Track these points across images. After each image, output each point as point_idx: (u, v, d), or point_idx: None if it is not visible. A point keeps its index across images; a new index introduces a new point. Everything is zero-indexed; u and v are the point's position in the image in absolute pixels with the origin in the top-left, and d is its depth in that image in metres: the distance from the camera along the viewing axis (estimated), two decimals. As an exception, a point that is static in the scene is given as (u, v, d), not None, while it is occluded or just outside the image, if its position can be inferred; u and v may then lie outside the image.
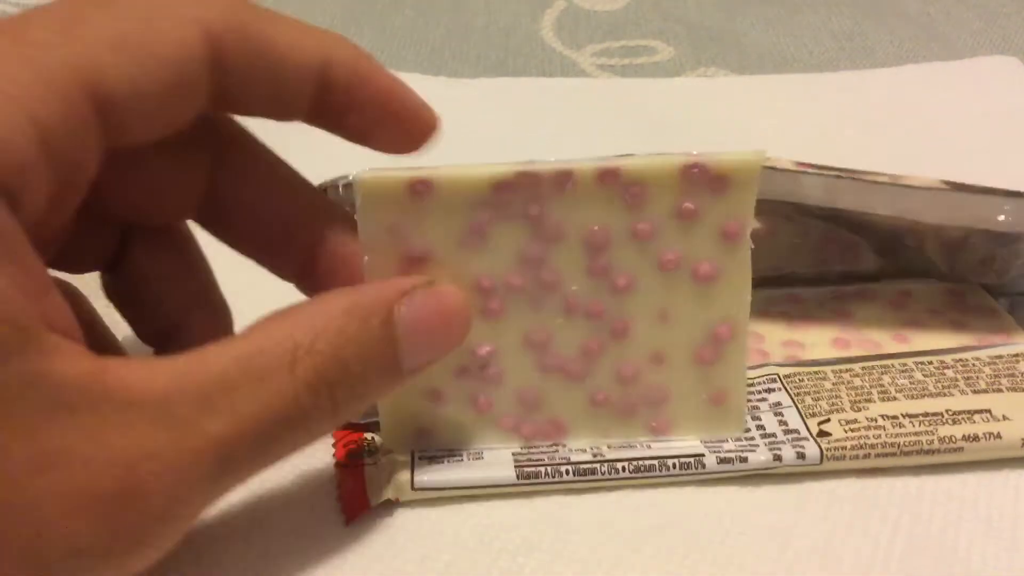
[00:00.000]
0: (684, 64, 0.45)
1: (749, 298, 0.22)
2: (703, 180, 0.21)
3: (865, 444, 0.23)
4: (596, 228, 0.21)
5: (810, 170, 0.24)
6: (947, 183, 0.25)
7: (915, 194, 0.24)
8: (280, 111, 0.20)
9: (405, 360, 0.19)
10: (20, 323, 0.15)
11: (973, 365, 0.25)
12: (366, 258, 0.21)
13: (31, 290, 0.16)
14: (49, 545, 0.15)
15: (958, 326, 0.27)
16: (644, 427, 0.23)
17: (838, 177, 0.25)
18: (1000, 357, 0.25)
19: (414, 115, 0.21)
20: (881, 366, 0.25)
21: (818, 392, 0.24)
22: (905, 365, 0.25)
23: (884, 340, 0.26)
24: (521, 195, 0.21)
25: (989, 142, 0.38)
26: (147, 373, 0.16)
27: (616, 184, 0.21)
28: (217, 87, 0.18)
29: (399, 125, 0.21)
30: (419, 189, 0.21)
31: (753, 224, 0.22)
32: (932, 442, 0.23)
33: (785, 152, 0.25)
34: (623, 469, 0.22)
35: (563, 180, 0.21)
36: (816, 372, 0.25)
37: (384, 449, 0.23)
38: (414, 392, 0.22)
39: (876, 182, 0.24)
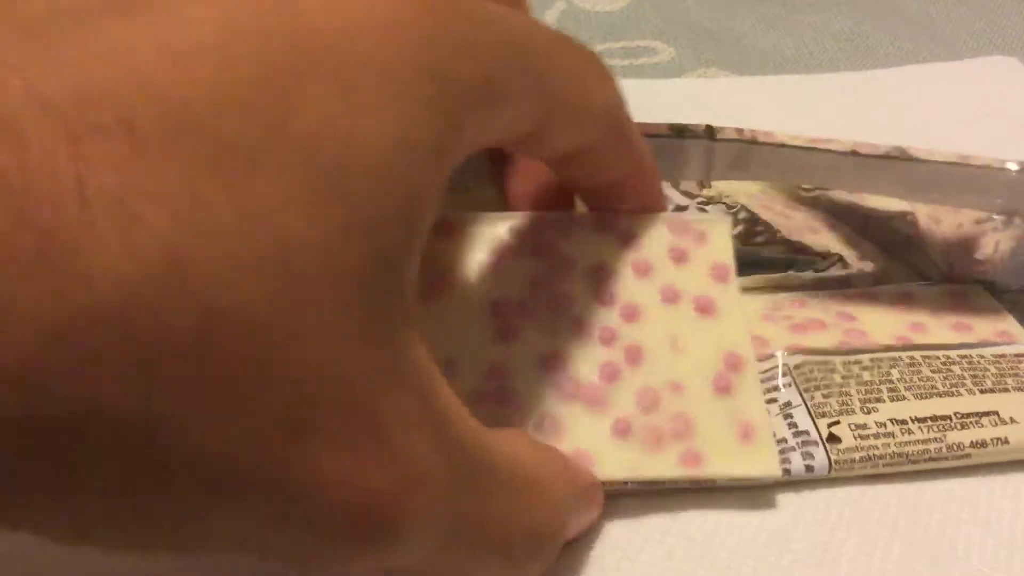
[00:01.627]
0: (684, 65, 0.45)
1: (748, 333, 0.23)
2: (686, 231, 0.24)
3: (874, 455, 0.23)
4: (599, 262, 0.23)
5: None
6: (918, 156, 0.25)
7: (882, 164, 0.25)
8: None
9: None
10: (407, 278, 0.15)
11: (978, 363, 0.25)
12: None
13: (424, 232, 0.15)
14: (293, 505, 0.13)
15: (961, 327, 0.27)
16: (676, 459, 0.22)
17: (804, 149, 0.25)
18: (1004, 356, 0.25)
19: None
20: (890, 358, 0.25)
21: (828, 387, 0.24)
22: (912, 359, 0.25)
23: (888, 342, 0.26)
24: (531, 235, 0.23)
25: (989, 142, 0.38)
26: (456, 408, 0.16)
27: (613, 231, 0.24)
28: None
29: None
30: (441, 228, 0.23)
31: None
32: (940, 450, 0.23)
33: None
34: (628, 482, 0.22)
35: (566, 225, 0.24)
36: (825, 362, 0.25)
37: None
38: None
39: (845, 153, 0.25)
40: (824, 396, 0.24)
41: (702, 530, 0.22)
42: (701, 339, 0.23)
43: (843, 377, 0.24)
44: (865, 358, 0.25)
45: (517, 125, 0.18)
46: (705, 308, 0.23)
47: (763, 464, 0.22)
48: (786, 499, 0.22)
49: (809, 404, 0.24)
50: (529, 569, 0.18)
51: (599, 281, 0.23)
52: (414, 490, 0.14)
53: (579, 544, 0.21)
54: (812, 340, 0.26)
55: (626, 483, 0.22)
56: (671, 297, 0.23)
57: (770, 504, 0.22)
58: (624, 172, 0.22)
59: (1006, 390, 0.24)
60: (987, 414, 0.23)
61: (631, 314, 0.23)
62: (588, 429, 0.22)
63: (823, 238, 0.29)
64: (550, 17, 0.50)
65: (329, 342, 0.13)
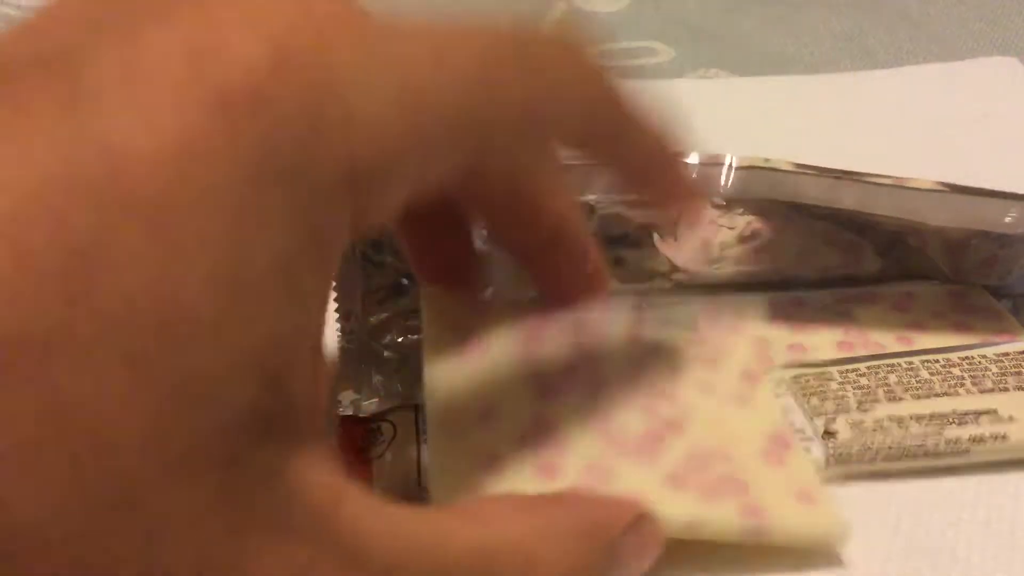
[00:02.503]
0: (685, 65, 0.45)
1: (788, 421, 0.23)
2: (710, 347, 0.25)
3: (871, 448, 0.23)
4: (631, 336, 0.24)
5: (810, 171, 0.25)
6: (950, 185, 0.25)
7: (919, 196, 0.24)
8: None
9: None
10: (292, 390, 0.13)
11: (979, 363, 0.25)
12: (426, 352, 0.22)
13: (316, 340, 0.13)
14: None
15: (961, 328, 0.27)
16: (735, 510, 0.20)
17: (838, 178, 0.25)
18: (1007, 355, 0.25)
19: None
20: (887, 365, 0.25)
21: (824, 392, 0.24)
22: (911, 364, 0.25)
23: (888, 342, 0.26)
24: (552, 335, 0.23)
25: (989, 143, 0.38)
26: (382, 525, 0.14)
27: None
28: None
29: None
30: (476, 308, 0.23)
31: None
32: (938, 444, 0.23)
33: (786, 153, 0.25)
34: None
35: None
36: (822, 372, 0.25)
37: (395, 445, 0.23)
38: (469, 455, 0.21)
39: (879, 184, 0.24)
40: (820, 400, 0.24)
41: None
42: (743, 421, 0.23)
43: (840, 383, 0.24)
44: (862, 366, 0.25)
45: (430, 185, 0.15)
46: (741, 401, 0.23)
47: (829, 522, 0.21)
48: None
49: (806, 407, 0.24)
50: None
51: (632, 374, 0.23)
52: None
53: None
54: (811, 341, 0.26)
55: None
56: (707, 389, 0.23)
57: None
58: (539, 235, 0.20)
59: (1006, 390, 0.24)
60: (986, 412, 0.23)
61: (669, 396, 0.23)
62: (640, 477, 0.21)
63: (819, 259, 0.29)
64: (550, 18, 0.50)
65: (166, 531, 0.11)
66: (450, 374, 0.22)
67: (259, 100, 0.12)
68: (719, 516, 0.20)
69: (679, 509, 0.20)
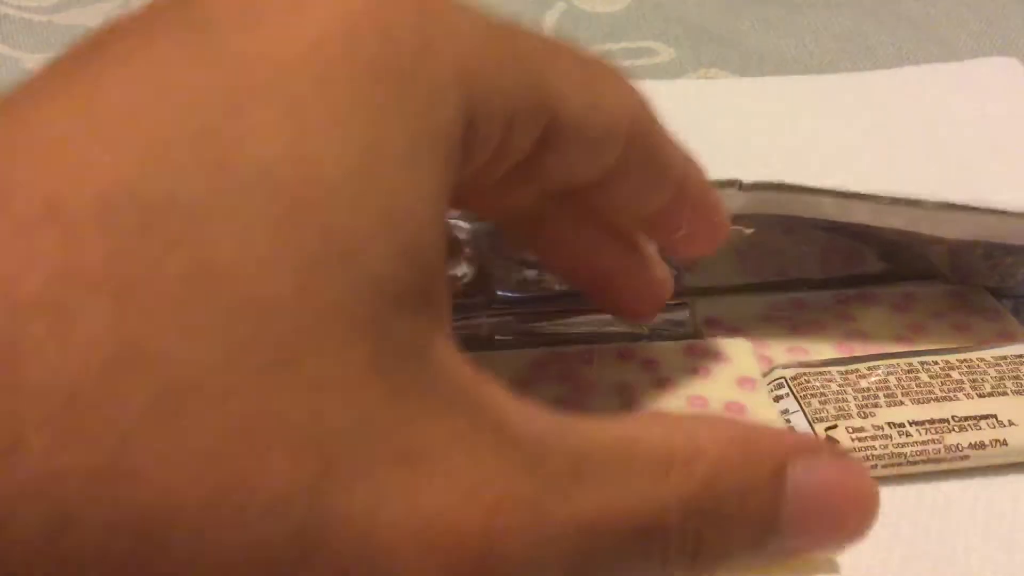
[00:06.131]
0: (685, 66, 0.45)
1: (786, 427, 0.23)
2: (706, 354, 0.25)
3: (872, 456, 0.23)
4: (623, 382, 0.24)
5: (821, 192, 0.24)
6: (963, 205, 0.24)
7: (932, 213, 0.24)
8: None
9: (784, 532, 0.15)
10: (426, 268, 0.13)
11: (978, 366, 0.25)
12: None
13: (443, 227, 0.14)
14: (361, 573, 0.11)
15: (962, 329, 0.27)
16: None
17: (848, 197, 0.24)
18: (1004, 358, 0.25)
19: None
20: (887, 365, 0.25)
21: (824, 395, 0.24)
22: (911, 365, 0.25)
23: (888, 343, 0.26)
24: (554, 367, 0.24)
25: (989, 143, 0.38)
26: (522, 410, 0.14)
27: (633, 359, 0.24)
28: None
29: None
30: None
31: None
32: (939, 451, 0.23)
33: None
34: None
35: (587, 357, 0.24)
36: (822, 372, 0.25)
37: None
38: None
39: (892, 203, 0.24)
40: (821, 403, 0.24)
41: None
42: None
43: (840, 386, 0.24)
44: (862, 367, 0.25)
45: (514, 139, 0.16)
46: (736, 410, 0.23)
47: None
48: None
49: (806, 410, 0.24)
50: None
51: (623, 395, 0.23)
52: (494, 511, 0.12)
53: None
54: (811, 342, 0.26)
55: None
56: (699, 403, 0.23)
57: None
58: (666, 195, 0.19)
59: (1005, 393, 0.24)
60: (985, 417, 0.23)
61: (659, 418, 0.23)
62: None
63: (821, 262, 0.29)
64: (550, 18, 0.50)
65: (327, 391, 0.11)
66: None
67: (375, 18, 0.13)
68: None
69: None
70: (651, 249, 0.22)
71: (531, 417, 0.14)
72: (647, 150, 0.19)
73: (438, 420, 0.12)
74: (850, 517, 0.16)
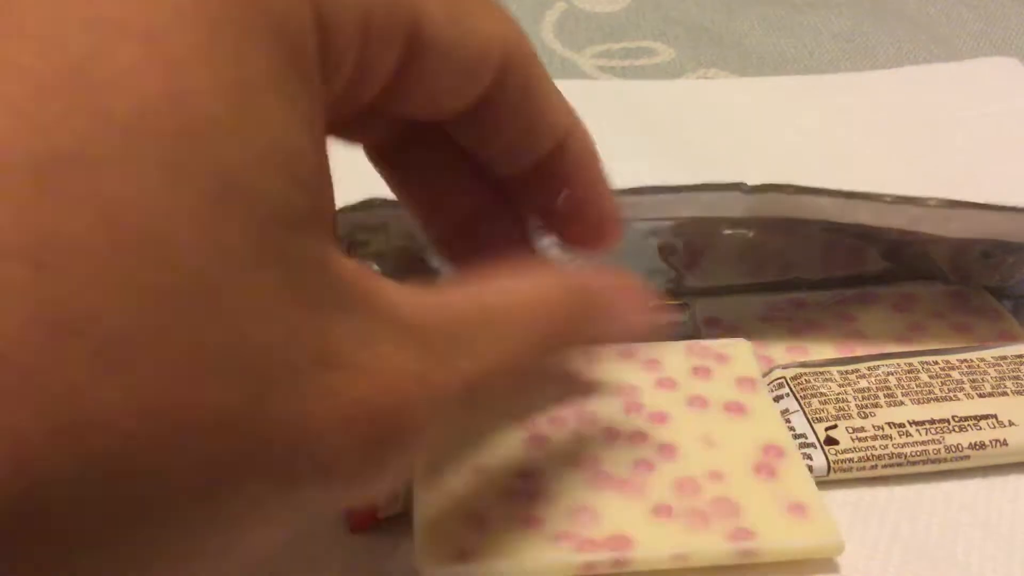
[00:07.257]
0: (685, 65, 0.45)
1: (785, 425, 0.23)
2: (707, 354, 0.25)
3: (872, 456, 0.23)
4: (624, 383, 0.24)
5: (823, 192, 0.24)
6: (965, 203, 0.24)
7: (934, 212, 0.24)
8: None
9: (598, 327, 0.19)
10: (312, 188, 0.13)
11: (978, 366, 0.25)
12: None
13: (320, 148, 0.14)
14: (302, 461, 0.13)
15: (962, 329, 0.27)
16: (724, 535, 0.20)
17: (850, 198, 0.24)
18: (1004, 358, 0.25)
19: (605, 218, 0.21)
20: (887, 365, 0.25)
21: (825, 395, 0.24)
22: (911, 365, 0.25)
23: (888, 343, 0.26)
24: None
25: (989, 143, 0.38)
26: (408, 295, 0.15)
27: (634, 358, 0.24)
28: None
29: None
30: None
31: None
32: (939, 451, 0.23)
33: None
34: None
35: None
36: (822, 372, 0.25)
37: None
38: (454, 514, 0.21)
39: (894, 203, 0.24)
40: (821, 403, 0.24)
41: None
42: (736, 435, 0.23)
43: (840, 386, 0.24)
44: (863, 367, 0.25)
45: (373, 52, 0.16)
46: (736, 410, 0.23)
47: (821, 535, 0.21)
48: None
49: (807, 410, 0.24)
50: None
51: (624, 396, 0.24)
52: (395, 390, 0.14)
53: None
54: (811, 342, 0.26)
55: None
56: (699, 404, 0.24)
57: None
58: (545, 144, 0.19)
59: (1005, 393, 0.24)
60: (985, 417, 0.23)
61: (660, 418, 0.23)
62: (624, 512, 0.21)
63: (823, 262, 0.29)
64: (550, 17, 0.50)
65: (249, 315, 0.12)
66: None
67: None
68: (707, 544, 0.20)
69: (665, 541, 0.20)
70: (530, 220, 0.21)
71: (415, 301, 0.15)
72: (521, 90, 0.18)
73: (345, 323, 0.14)
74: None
